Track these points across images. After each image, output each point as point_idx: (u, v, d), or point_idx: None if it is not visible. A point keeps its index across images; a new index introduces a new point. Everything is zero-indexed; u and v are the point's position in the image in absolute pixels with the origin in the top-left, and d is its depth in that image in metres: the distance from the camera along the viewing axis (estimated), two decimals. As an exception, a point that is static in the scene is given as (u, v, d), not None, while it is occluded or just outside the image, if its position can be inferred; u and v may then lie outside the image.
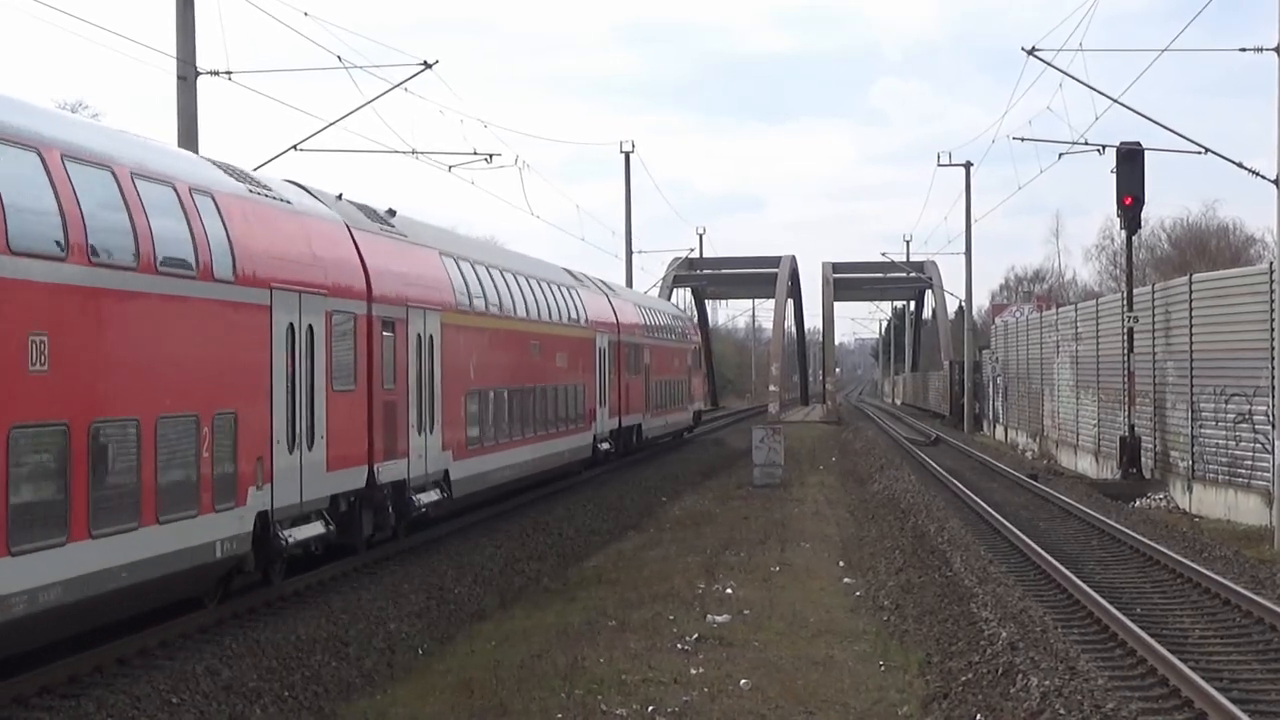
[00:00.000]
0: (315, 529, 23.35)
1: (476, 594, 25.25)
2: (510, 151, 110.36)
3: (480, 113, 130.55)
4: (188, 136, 31.90)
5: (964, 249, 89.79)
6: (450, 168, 46.41)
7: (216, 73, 33.53)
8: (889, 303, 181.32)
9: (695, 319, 53.25)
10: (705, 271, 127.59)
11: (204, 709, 16.68)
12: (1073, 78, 42.30)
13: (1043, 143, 53.55)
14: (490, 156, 45.18)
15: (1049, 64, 42.60)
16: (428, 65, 37.20)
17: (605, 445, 47.99)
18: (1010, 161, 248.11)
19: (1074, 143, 47.98)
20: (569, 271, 47.74)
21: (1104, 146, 47.89)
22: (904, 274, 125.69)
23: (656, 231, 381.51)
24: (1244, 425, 37.07)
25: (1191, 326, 40.73)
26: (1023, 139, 52.14)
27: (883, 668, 19.49)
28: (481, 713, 16.85)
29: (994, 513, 35.83)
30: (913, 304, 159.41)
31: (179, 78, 32.22)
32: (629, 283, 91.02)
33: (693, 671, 19.05)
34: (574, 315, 43.99)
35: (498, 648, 20.83)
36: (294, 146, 36.39)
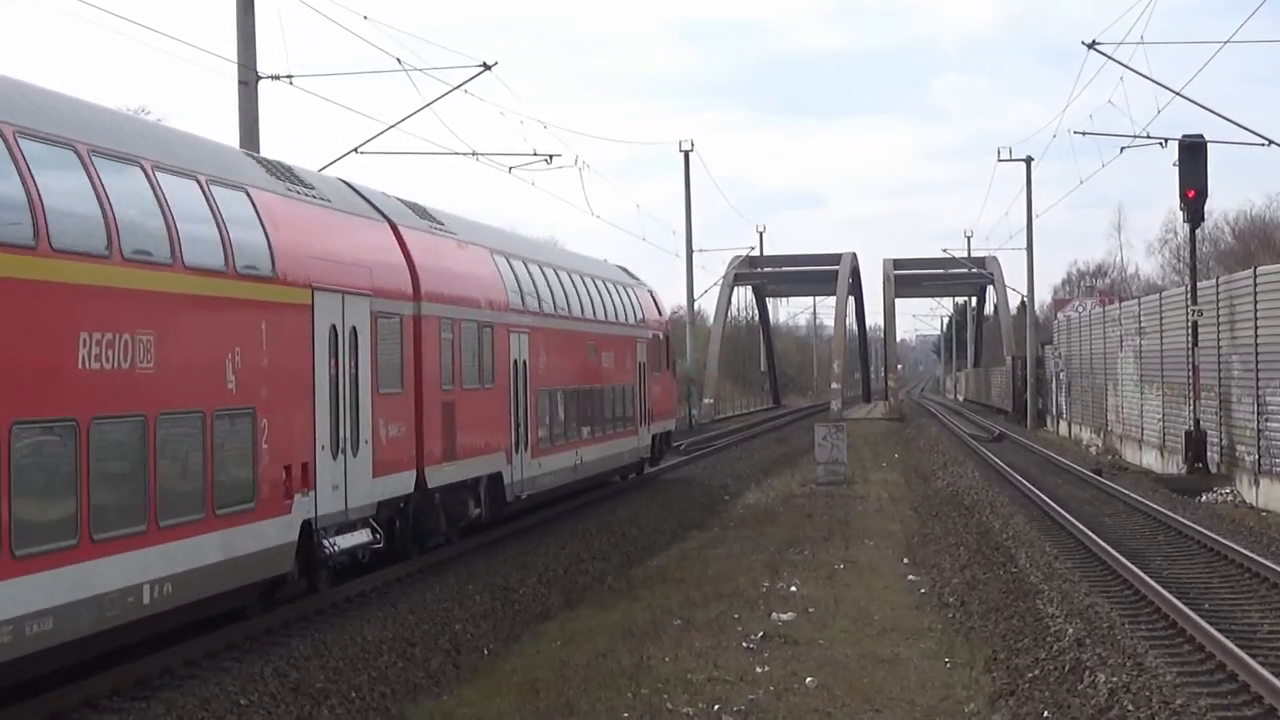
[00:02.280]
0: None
1: (541, 594, 25.29)
2: (570, 152, 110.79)
3: (540, 113, 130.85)
4: (249, 140, 32.06)
5: (1025, 244, 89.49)
6: (510, 169, 46.56)
7: (277, 77, 33.71)
8: (950, 299, 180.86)
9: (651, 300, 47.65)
10: (766, 270, 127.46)
11: (272, 710, 16.76)
12: (1134, 71, 42.19)
13: (1104, 136, 53.21)
14: (550, 157, 45.29)
15: (1110, 57, 42.48)
16: (487, 66, 37.31)
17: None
18: (1071, 156, 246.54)
19: (1136, 136, 47.84)
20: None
21: (1166, 140, 47.74)
22: (965, 270, 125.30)
23: (717, 230, 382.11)
24: (1311, 418, 36.76)
25: (1257, 320, 40.41)
26: (1084, 133, 51.99)
27: (949, 665, 19.43)
28: (548, 713, 16.88)
29: (1059, 508, 35.65)
30: (974, 300, 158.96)
31: (240, 82, 32.39)
32: (689, 287, 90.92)
33: (758, 670, 19.04)
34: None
35: (563, 647, 20.86)
36: (355, 149, 36.58)
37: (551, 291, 34.61)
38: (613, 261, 46.40)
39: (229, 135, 29.35)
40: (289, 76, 33.95)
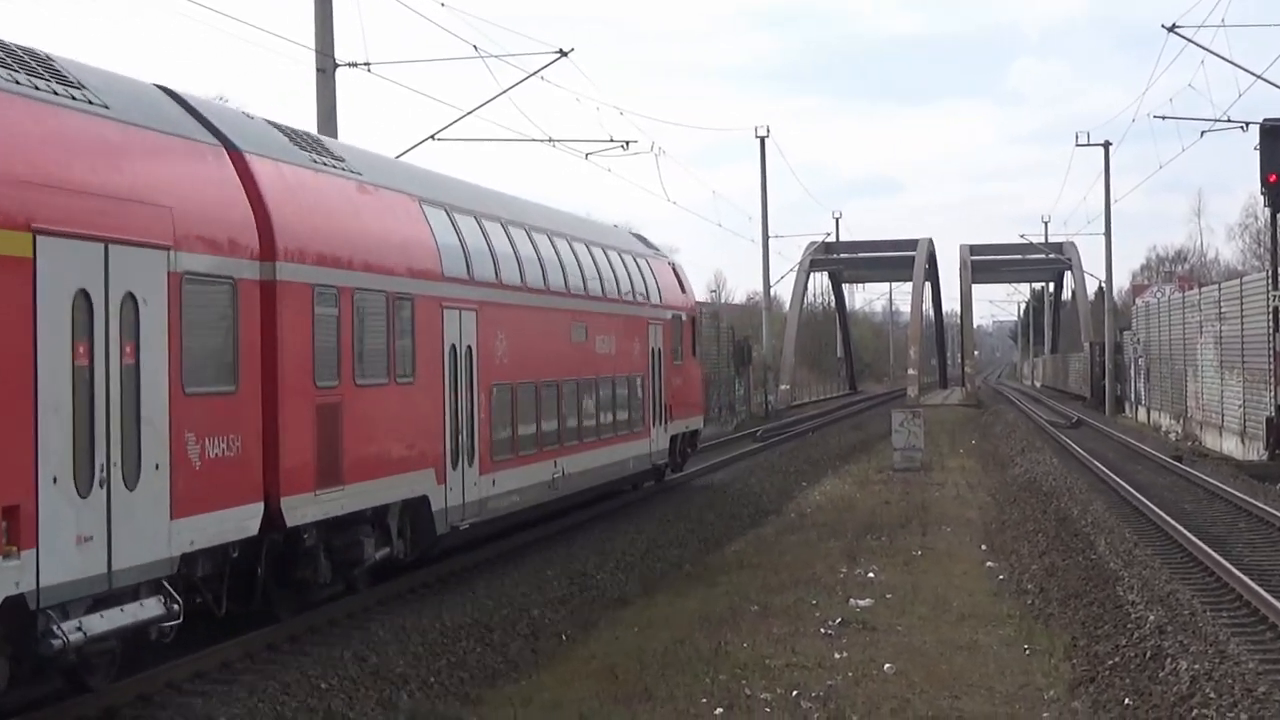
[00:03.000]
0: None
1: (619, 580, 25.32)
2: (646, 138, 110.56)
3: (616, 100, 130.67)
4: (326, 127, 32.23)
5: (1103, 229, 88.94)
6: (587, 155, 46.67)
7: (355, 64, 33.88)
8: (1027, 285, 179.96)
9: (675, 278, 39.95)
10: (842, 255, 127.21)
11: (352, 694, 16.85)
12: (1214, 54, 42.00)
13: (1184, 120, 53.10)
14: (626, 143, 45.38)
15: (1190, 40, 42.17)
16: (563, 53, 37.37)
17: None
18: (1151, 140, 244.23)
19: (1216, 120, 47.56)
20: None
21: (1247, 123, 47.38)
22: (1043, 255, 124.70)
23: (793, 216, 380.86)
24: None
25: (1339, 305, 40.02)
26: (1163, 117, 51.86)
27: (1028, 652, 19.35)
28: (626, 698, 16.91)
29: (1138, 495, 35.45)
30: (1051, 286, 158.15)
31: (318, 70, 32.57)
32: (765, 273, 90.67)
33: (836, 656, 19.01)
34: None
35: (641, 633, 20.87)
36: (432, 136, 36.73)
37: (519, 258, 27.30)
38: (659, 240, 43.42)
39: (308, 122, 29.48)
40: (366, 64, 34.12)
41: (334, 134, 32.01)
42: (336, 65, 32.77)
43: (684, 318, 39.30)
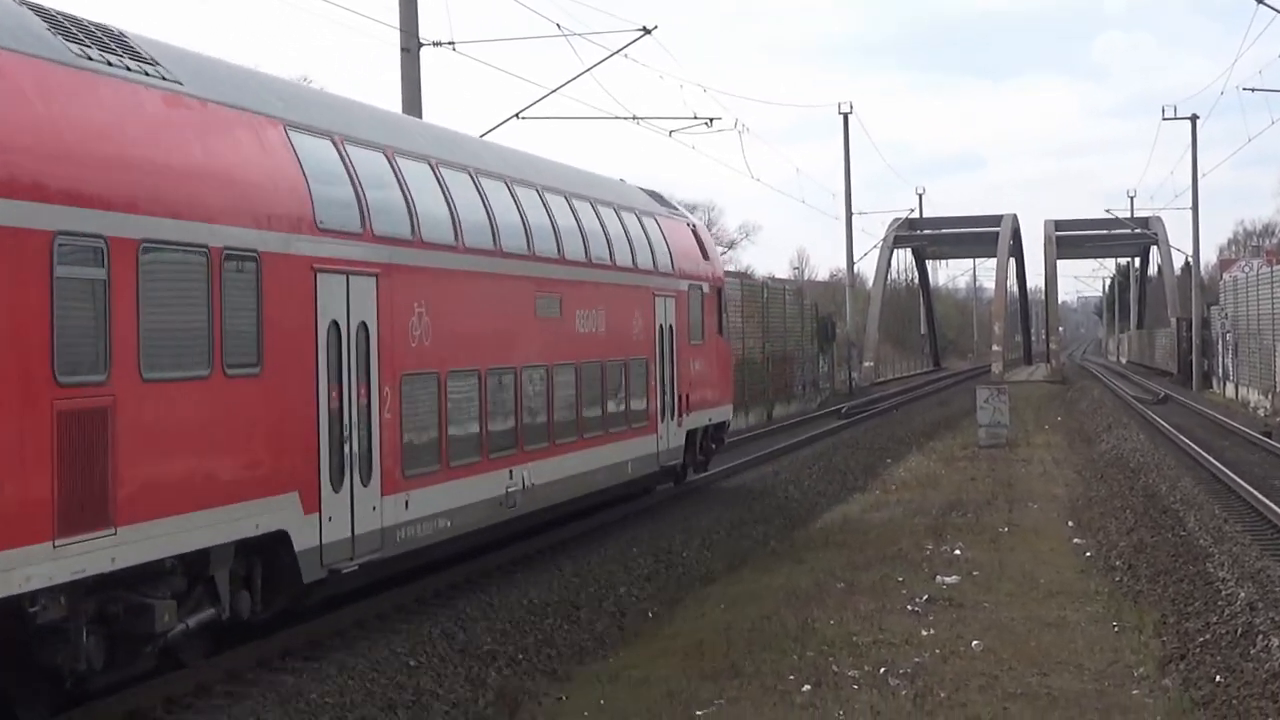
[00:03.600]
0: None
1: (705, 557, 25.36)
2: (730, 115, 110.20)
3: (700, 77, 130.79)
4: (411, 107, 32.34)
5: (1190, 204, 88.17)
6: (671, 132, 46.62)
7: (439, 43, 33.97)
8: (1113, 260, 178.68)
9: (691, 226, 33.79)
10: (926, 232, 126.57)
11: (440, 671, 16.96)
12: (1304, 25, 41.25)
13: (1273, 93, 52.34)
14: (710, 120, 45.30)
15: (1279, 11, 41.59)
16: (646, 31, 37.33)
17: None
18: (1239, 112, 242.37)
19: (1305, 92, 46.80)
20: None
21: (1337, 95, 46.69)
22: (1128, 230, 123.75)
23: (876, 193, 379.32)
24: None
25: None
26: (1252, 89, 51.20)
27: (1116, 629, 19.26)
28: (713, 674, 16.94)
29: (1228, 471, 35.14)
30: (1137, 261, 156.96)
31: (402, 49, 32.69)
32: (849, 249, 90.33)
33: (923, 633, 18.98)
34: None
35: (727, 610, 20.90)
36: (516, 114, 36.77)
37: (454, 210, 21.18)
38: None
39: (392, 102, 29.60)
40: (451, 43, 34.22)
41: (419, 114, 32.13)
42: (421, 45, 32.88)
43: (705, 289, 32.88)
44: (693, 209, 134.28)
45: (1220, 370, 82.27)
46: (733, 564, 25.12)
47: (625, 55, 37.89)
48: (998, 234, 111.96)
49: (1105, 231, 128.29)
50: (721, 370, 34.38)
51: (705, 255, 33.58)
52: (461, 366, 20.81)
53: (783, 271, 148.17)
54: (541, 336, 23.77)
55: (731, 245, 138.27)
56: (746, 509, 30.81)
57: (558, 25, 35.78)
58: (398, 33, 32.77)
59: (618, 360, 27.12)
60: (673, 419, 30.27)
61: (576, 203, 26.33)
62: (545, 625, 19.49)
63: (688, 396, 31.13)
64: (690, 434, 31.56)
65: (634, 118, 42.85)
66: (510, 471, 22.30)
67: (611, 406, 26.80)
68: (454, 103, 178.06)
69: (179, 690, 15.55)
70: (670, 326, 30.19)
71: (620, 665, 17.84)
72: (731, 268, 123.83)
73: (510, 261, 22.67)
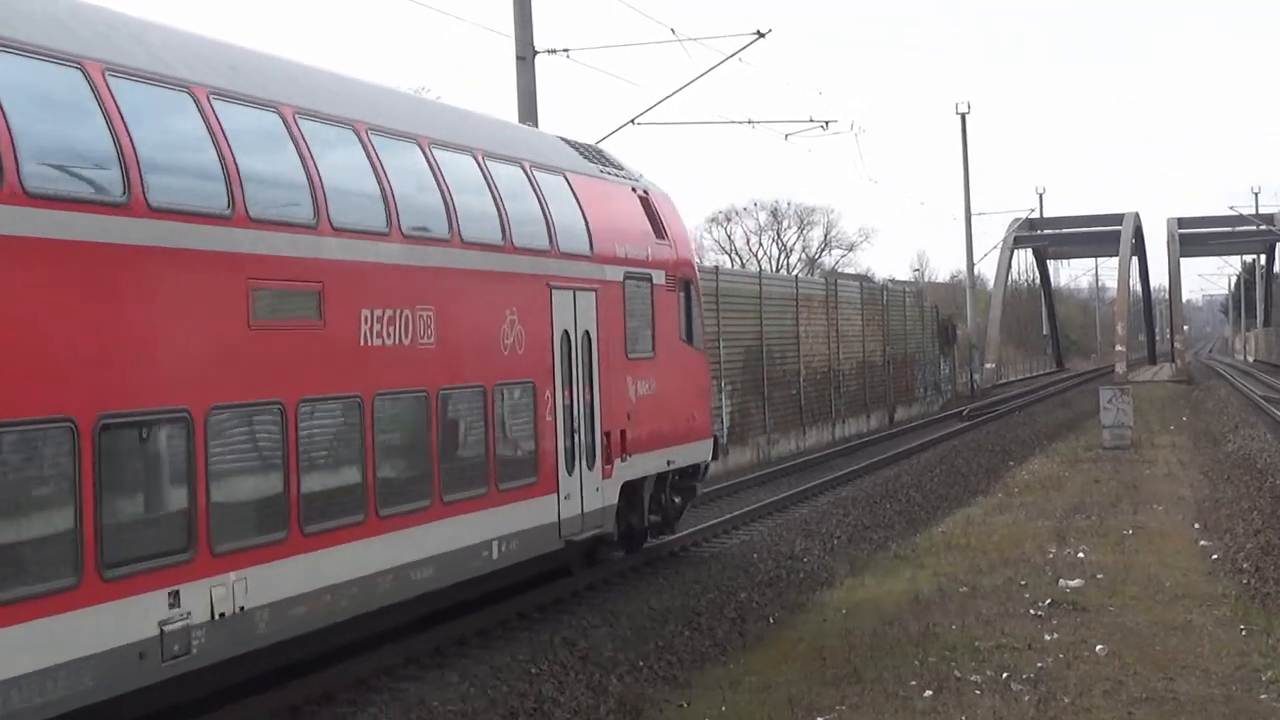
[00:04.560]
0: None
1: (826, 562, 25.28)
2: (846, 118, 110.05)
3: (816, 80, 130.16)
4: (527, 113, 32.52)
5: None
6: (786, 136, 46.60)
7: (554, 51, 34.12)
8: (1238, 257, 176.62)
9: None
10: (1046, 232, 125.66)
11: (562, 679, 17.01)
12: None
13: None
14: (826, 123, 45.18)
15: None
16: (761, 34, 37.30)
17: None
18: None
19: None
20: None
21: None
22: (1253, 227, 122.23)
23: (995, 193, 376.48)
24: None
25: None
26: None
27: (1244, 632, 19.01)
28: (835, 680, 16.88)
29: (1357, 471, 34.65)
30: (1263, 258, 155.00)
31: (518, 57, 32.88)
32: (969, 250, 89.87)
33: (1047, 637, 18.81)
34: None
35: (848, 616, 20.82)
36: (631, 120, 36.85)
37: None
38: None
39: (508, 110, 29.76)
40: (566, 50, 34.35)
41: (535, 120, 32.26)
42: (536, 52, 33.05)
43: (658, 281, 24.26)
44: (810, 212, 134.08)
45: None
46: (854, 568, 25.02)
47: (740, 59, 37.91)
48: (1119, 233, 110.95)
49: (1230, 229, 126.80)
50: (692, 392, 25.65)
51: (660, 234, 24.64)
52: (43, 415, 11.92)
53: (902, 274, 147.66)
54: (262, 354, 14.65)
55: (851, 248, 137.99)
56: (868, 513, 30.69)
57: (671, 30, 35.84)
58: (513, 41, 32.94)
59: (466, 388, 18.20)
60: (591, 468, 21.44)
61: (378, 141, 17.36)
62: (666, 631, 19.50)
63: (623, 434, 22.53)
64: (633, 485, 23.22)
65: (749, 122, 42.87)
66: (177, 594, 13.17)
67: (450, 460, 17.81)
68: (569, 109, 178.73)
69: (309, 692, 15.72)
70: (588, 334, 21.58)
71: (741, 671, 17.81)
72: (850, 270, 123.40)
73: (172, 228, 13.50)
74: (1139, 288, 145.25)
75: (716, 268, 49.82)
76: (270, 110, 15.61)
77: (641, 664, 17.89)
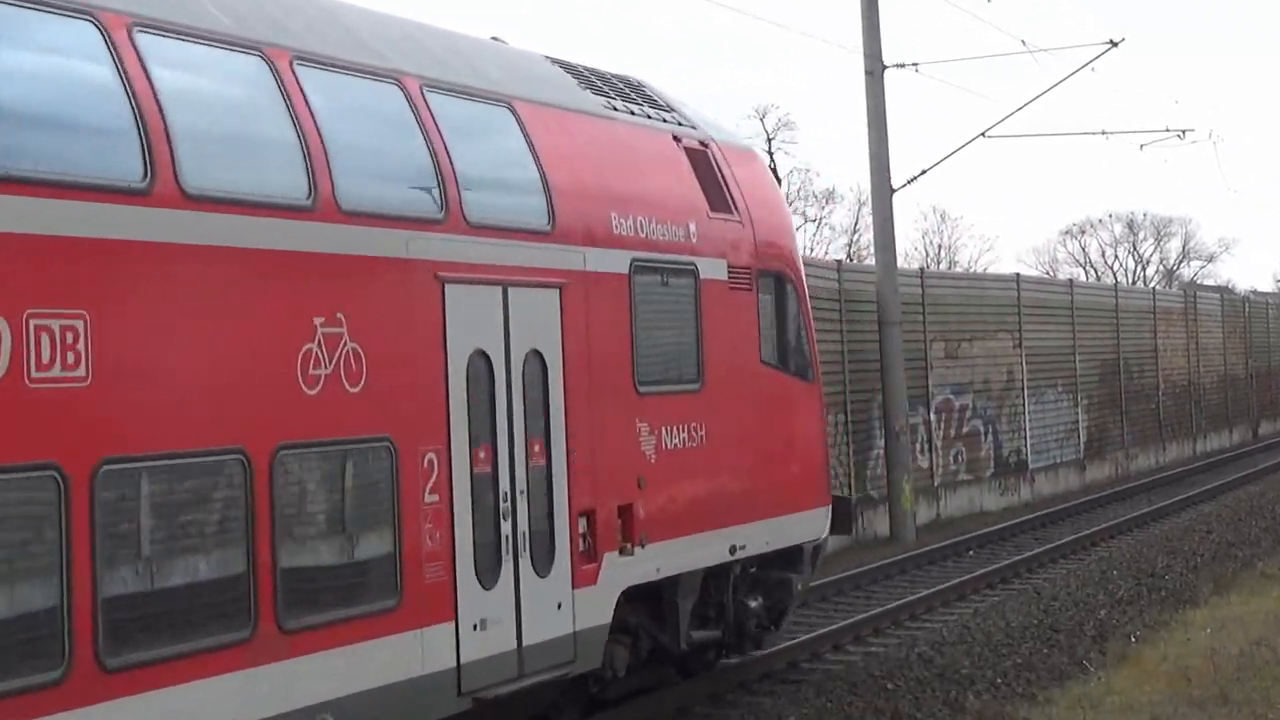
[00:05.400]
0: None
1: (1188, 580, 24.61)
2: (1204, 126, 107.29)
3: (1171, 88, 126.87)
4: (877, 128, 32.40)
5: None
6: (1141, 146, 45.80)
7: (903, 65, 33.94)
8: None
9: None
10: None
11: (918, 695, 16.87)
12: None
13: None
14: (1183, 132, 44.10)
15: None
16: (1113, 44, 36.57)
17: None
18: None
19: None
20: None
21: None
22: None
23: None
24: None
25: None
26: None
27: None
28: (1200, 702, 16.41)
29: None
30: None
31: (866, 72, 32.76)
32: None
33: None
34: None
35: (1214, 635, 20.22)
36: (982, 134, 36.44)
37: None
38: None
39: (857, 124, 29.68)
40: (914, 64, 34.15)
41: (884, 135, 32.13)
42: (885, 67, 32.91)
43: (714, 274, 16.24)
44: (1167, 223, 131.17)
45: None
46: (1219, 587, 24.30)
47: (1092, 69, 37.20)
48: None
49: None
50: (786, 441, 17.29)
51: (722, 205, 16.56)
52: None
53: (1266, 285, 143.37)
54: None
55: (1210, 259, 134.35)
56: (1232, 529, 29.82)
57: (1022, 41, 35.42)
58: (861, 56, 32.87)
59: (179, 458, 10.20)
60: (546, 572, 13.38)
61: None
62: (1024, 649, 19.19)
63: (630, 510, 14.47)
64: (655, 589, 15.14)
65: (1103, 133, 42.05)
66: None
67: (128, 586, 9.82)
68: (918, 124, 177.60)
69: (661, 709, 15.88)
70: (540, 356, 13.50)
71: (1102, 690, 17.42)
72: (1210, 282, 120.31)
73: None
74: None
75: (1071, 280, 49.03)
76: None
77: (999, 681, 17.63)
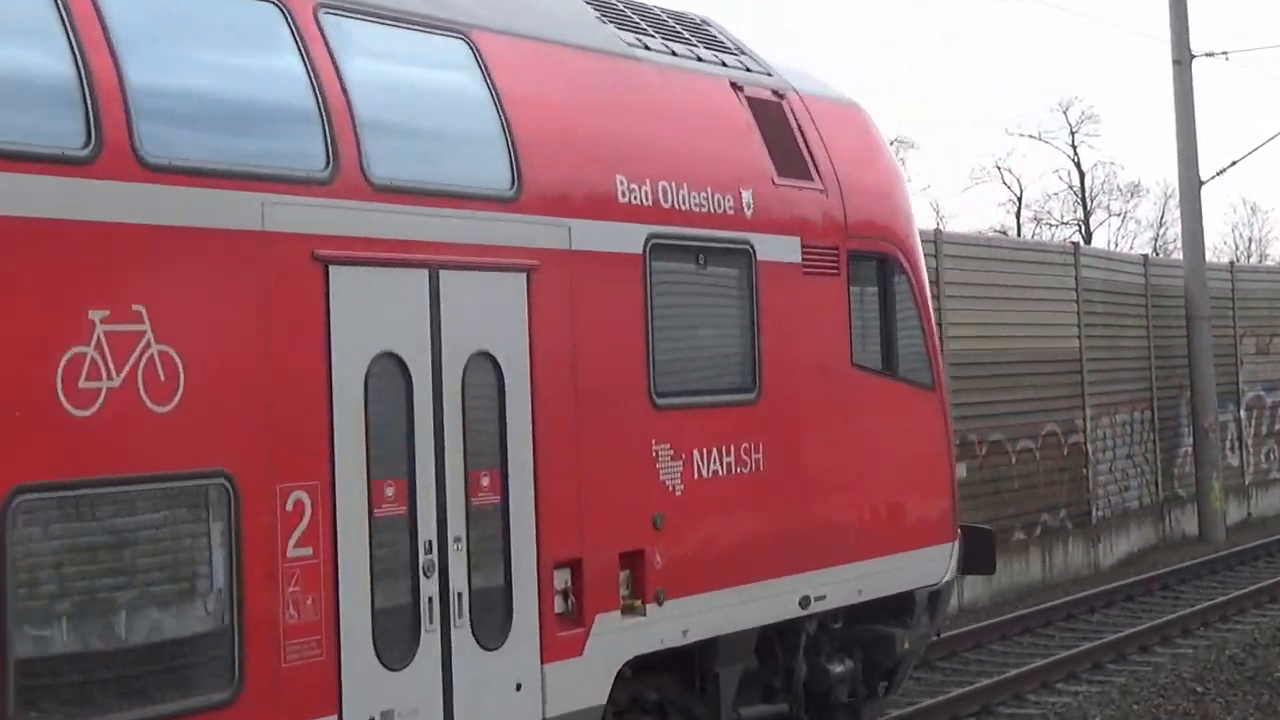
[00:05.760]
0: None
1: None
2: None
3: None
4: (1184, 119, 31.76)
5: None
6: None
7: (1212, 54, 33.26)
8: None
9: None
10: None
11: (1229, 698, 16.53)
12: None
13: None
14: None
15: None
16: None
17: None
18: None
19: None
20: None
21: None
22: None
23: None
24: None
25: None
26: None
27: None
28: None
29: None
30: None
31: (1174, 62, 32.15)
32: None
33: None
34: None
35: None
36: (1295, 124, 35.46)
37: None
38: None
39: (1165, 115, 29.07)
40: (1224, 53, 33.43)
41: (1192, 126, 31.46)
42: (1193, 56, 32.23)
43: (776, 255, 12.51)
44: None
45: None
46: None
47: None
48: None
49: None
50: (895, 462, 13.65)
51: (793, 169, 12.94)
52: None
53: None
54: None
55: None
56: None
57: (1339, 27, 34.32)
58: (1168, 45, 32.25)
59: None
60: (497, 644, 9.97)
61: None
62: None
63: (640, 557, 11.08)
64: (685, 656, 11.68)
65: None
66: None
67: None
68: (1226, 114, 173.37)
69: (964, 709, 15.82)
70: (493, 361, 10.15)
71: None
72: None
73: None
74: None
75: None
76: None
77: (1313, 686, 17.19)
